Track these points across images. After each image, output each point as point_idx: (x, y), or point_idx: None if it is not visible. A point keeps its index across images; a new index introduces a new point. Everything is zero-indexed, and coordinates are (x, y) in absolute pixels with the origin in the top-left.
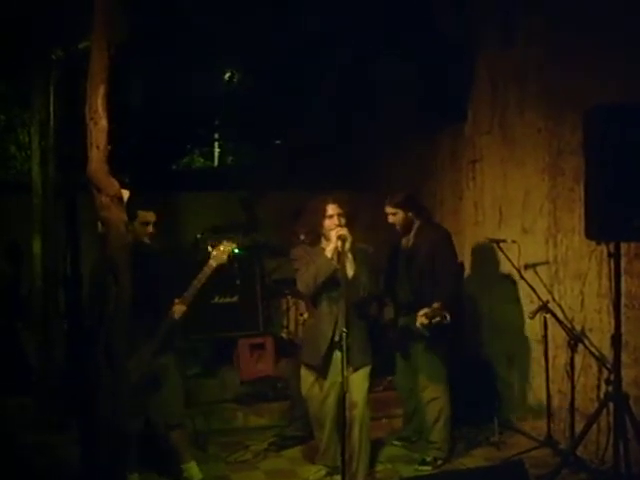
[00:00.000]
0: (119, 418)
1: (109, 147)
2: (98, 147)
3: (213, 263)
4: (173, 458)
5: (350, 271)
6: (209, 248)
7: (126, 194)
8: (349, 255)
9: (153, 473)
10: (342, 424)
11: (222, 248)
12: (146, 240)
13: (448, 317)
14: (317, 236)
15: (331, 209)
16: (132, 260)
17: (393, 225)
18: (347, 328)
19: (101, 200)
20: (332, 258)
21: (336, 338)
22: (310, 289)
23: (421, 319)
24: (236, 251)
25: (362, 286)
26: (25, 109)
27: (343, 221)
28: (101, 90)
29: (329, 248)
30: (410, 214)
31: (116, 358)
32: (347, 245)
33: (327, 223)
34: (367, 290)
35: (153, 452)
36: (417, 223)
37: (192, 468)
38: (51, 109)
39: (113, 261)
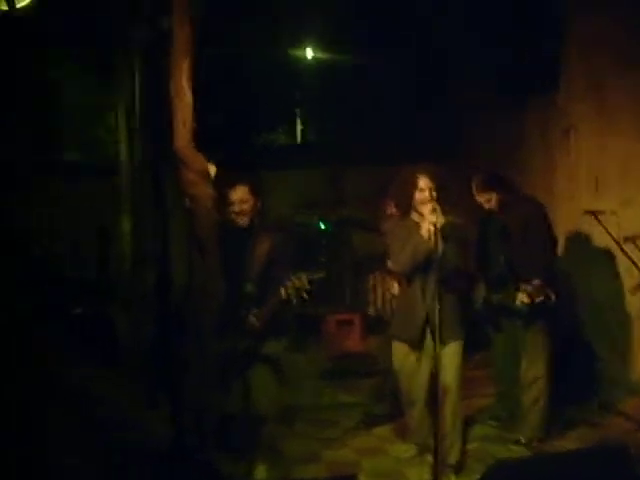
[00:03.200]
0: (206, 396)
1: (195, 123)
2: (184, 123)
3: (282, 294)
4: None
5: (440, 247)
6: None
7: (213, 169)
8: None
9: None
10: (434, 402)
11: (295, 282)
12: (237, 220)
13: (553, 297)
14: (407, 208)
15: (422, 182)
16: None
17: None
18: (438, 303)
19: (188, 176)
20: (429, 238)
21: (428, 313)
22: (407, 269)
23: (522, 297)
24: (307, 287)
25: (450, 261)
26: (110, 92)
27: (435, 195)
28: (185, 65)
29: (425, 228)
30: (502, 194)
31: (203, 337)
32: (439, 223)
33: (418, 196)
34: (455, 264)
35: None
36: (509, 199)
37: (260, 472)
38: (136, 89)
39: (200, 238)
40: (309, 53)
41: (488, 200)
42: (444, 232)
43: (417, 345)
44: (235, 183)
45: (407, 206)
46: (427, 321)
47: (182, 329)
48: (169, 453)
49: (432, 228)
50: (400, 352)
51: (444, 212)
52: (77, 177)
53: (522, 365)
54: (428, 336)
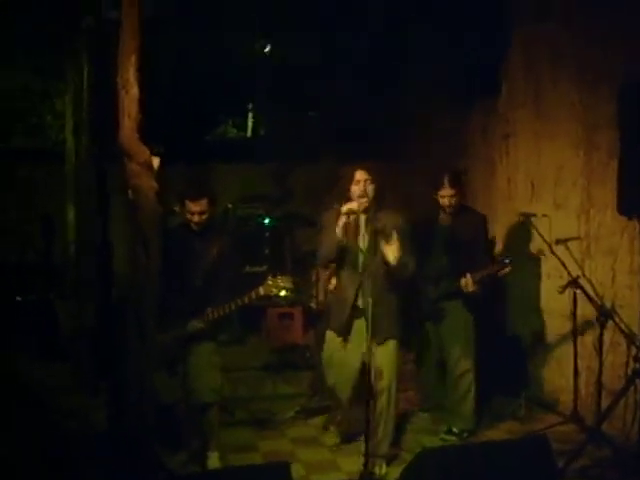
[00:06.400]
0: (147, 385)
1: (140, 116)
2: (129, 115)
3: (261, 291)
4: (201, 440)
5: (366, 243)
6: (269, 277)
7: (156, 161)
8: (366, 226)
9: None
10: (368, 394)
11: (278, 281)
12: (193, 227)
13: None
14: (346, 202)
15: (359, 174)
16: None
17: (445, 207)
18: (372, 298)
19: (131, 168)
20: (341, 232)
21: (359, 305)
22: (325, 261)
23: (465, 282)
24: (282, 294)
25: (383, 258)
26: (60, 79)
27: (370, 187)
28: (132, 59)
29: (340, 222)
30: (462, 194)
31: (145, 326)
32: (362, 216)
33: (353, 189)
34: (385, 260)
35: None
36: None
37: (213, 458)
38: (84, 78)
39: (143, 229)
40: (266, 47)
41: (452, 196)
42: (376, 227)
43: (346, 337)
44: (199, 196)
45: (347, 200)
46: (354, 314)
47: (122, 318)
48: (108, 439)
49: (345, 218)
50: (331, 344)
51: (379, 208)
52: (25, 164)
53: (452, 358)
54: (360, 329)
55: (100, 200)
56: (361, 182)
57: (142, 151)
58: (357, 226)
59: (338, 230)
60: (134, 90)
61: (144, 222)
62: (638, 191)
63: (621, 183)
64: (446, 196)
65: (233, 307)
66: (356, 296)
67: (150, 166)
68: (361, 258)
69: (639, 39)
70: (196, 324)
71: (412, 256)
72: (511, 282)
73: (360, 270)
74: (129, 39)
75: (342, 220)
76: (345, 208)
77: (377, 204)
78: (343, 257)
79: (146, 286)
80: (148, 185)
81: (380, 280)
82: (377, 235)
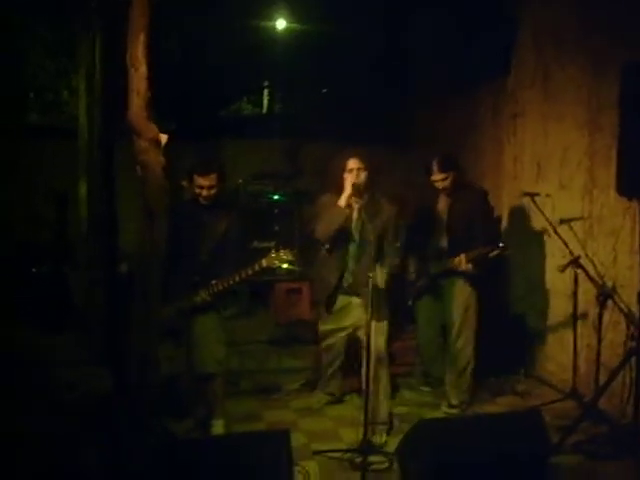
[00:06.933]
0: (151, 355)
1: (149, 93)
2: (138, 93)
3: (264, 263)
4: (206, 408)
5: (367, 223)
6: (273, 250)
7: (164, 138)
8: (359, 213)
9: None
10: (367, 365)
11: (281, 254)
12: (201, 201)
13: (498, 249)
14: (340, 190)
15: (352, 163)
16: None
17: (440, 189)
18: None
19: (140, 144)
20: (345, 207)
21: (345, 284)
22: (326, 237)
23: (459, 259)
24: (284, 266)
25: (370, 238)
26: (72, 57)
27: (362, 175)
28: (141, 37)
29: (343, 196)
30: (456, 175)
31: (150, 298)
32: (361, 198)
33: (346, 176)
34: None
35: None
36: (461, 180)
37: (218, 426)
38: (96, 56)
39: (150, 203)
40: (280, 24)
41: (444, 179)
42: (369, 210)
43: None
44: (207, 171)
45: (340, 188)
46: (337, 291)
47: (130, 291)
48: (111, 406)
49: (349, 193)
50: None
51: (371, 193)
52: (41, 140)
53: (452, 333)
54: (353, 305)
55: (106, 176)
56: (354, 170)
57: (150, 128)
58: (351, 211)
59: (343, 203)
60: (143, 68)
61: (151, 197)
62: (636, 172)
63: (621, 164)
64: (438, 180)
65: (237, 279)
66: (341, 277)
67: (158, 142)
68: (352, 243)
69: (636, 22)
70: (202, 295)
71: (398, 250)
72: (516, 261)
73: (350, 254)
74: (138, 17)
75: (346, 194)
76: (350, 181)
77: (370, 191)
78: (336, 237)
79: (152, 259)
80: (156, 161)
81: (367, 265)
82: (369, 225)
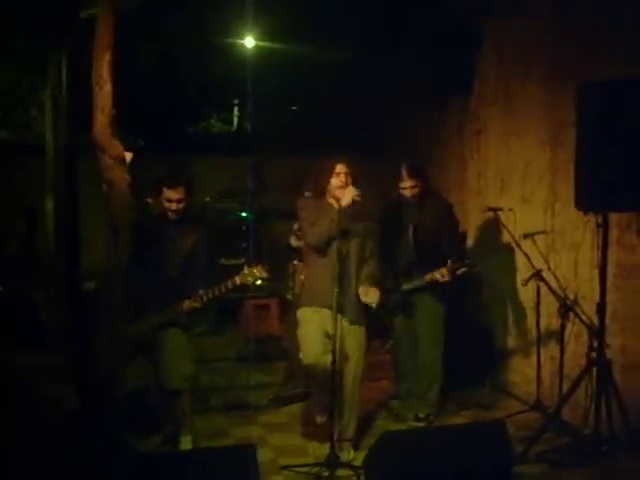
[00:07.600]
0: (116, 371)
1: (114, 111)
2: (103, 110)
3: (237, 280)
4: (174, 424)
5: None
6: (245, 267)
7: (129, 156)
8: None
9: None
10: (332, 376)
11: (254, 271)
12: (170, 215)
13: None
14: (322, 193)
15: (339, 167)
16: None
17: (408, 197)
18: (340, 287)
19: (105, 161)
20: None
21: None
22: (322, 239)
23: (441, 273)
24: (258, 282)
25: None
26: (43, 74)
27: (349, 180)
28: (106, 56)
29: (344, 201)
30: (424, 186)
31: (115, 315)
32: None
33: (334, 181)
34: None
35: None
36: (428, 190)
37: (186, 442)
38: (63, 74)
39: (115, 220)
40: (249, 42)
41: (413, 187)
42: (354, 216)
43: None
44: (176, 183)
45: (322, 190)
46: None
47: (95, 309)
48: (78, 422)
49: (343, 205)
50: (304, 315)
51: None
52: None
53: (422, 347)
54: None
55: (69, 192)
56: (341, 174)
57: (115, 146)
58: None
59: (333, 211)
60: (108, 86)
61: (116, 213)
62: (593, 188)
63: (578, 180)
64: (407, 187)
65: (217, 293)
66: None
67: (123, 160)
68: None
69: (598, 39)
70: (191, 303)
71: (376, 260)
72: (483, 274)
73: (334, 259)
74: (103, 36)
75: (346, 200)
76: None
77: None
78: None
79: (116, 274)
80: (121, 178)
81: (350, 273)
82: (349, 234)
